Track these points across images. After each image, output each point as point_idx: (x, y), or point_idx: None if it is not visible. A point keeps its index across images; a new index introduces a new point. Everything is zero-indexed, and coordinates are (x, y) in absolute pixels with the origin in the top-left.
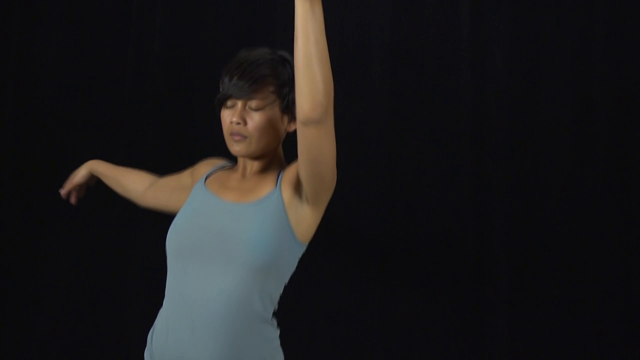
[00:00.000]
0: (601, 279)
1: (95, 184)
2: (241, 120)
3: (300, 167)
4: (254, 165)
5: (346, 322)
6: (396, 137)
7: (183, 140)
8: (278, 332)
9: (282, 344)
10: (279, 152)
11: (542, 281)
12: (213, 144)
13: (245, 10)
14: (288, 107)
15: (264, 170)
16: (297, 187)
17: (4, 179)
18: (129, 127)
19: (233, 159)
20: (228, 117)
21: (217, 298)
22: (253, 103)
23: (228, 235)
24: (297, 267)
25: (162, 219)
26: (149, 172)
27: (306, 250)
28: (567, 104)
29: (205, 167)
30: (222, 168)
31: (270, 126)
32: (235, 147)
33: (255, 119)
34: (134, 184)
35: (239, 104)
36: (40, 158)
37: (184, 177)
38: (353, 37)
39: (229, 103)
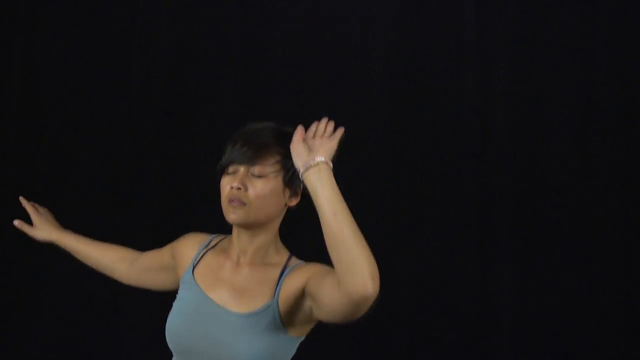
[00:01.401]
0: (603, 280)
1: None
2: (242, 185)
3: (330, 316)
4: (248, 252)
5: (347, 328)
6: (399, 138)
7: (186, 142)
8: None
9: None
10: (276, 234)
11: (544, 280)
12: (215, 146)
13: (250, 12)
14: (291, 180)
15: (260, 259)
16: (300, 303)
17: (8, 180)
18: (132, 128)
19: (218, 231)
20: (228, 183)
21: None
22: (256, 169)
23: (222, 347)
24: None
25: (164, 221)
26: (123, 247)
27: (306, 253)
28: (570, 104)
29: (188, 247)
30: (208, 247)
31: (271, 196)
32: (232, 215)
33: (256, 186)
34: (115, 263)
35: (241, 169)
36: (44, 158)
37: (165, 256)
38: (356, 37)
39: (231, 169)
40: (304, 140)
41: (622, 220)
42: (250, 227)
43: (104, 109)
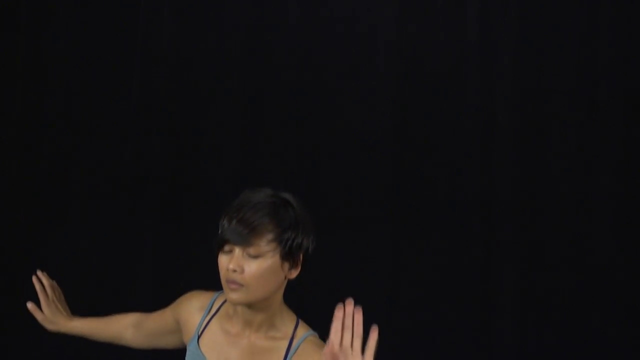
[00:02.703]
0: (604, 280)
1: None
2: (238, 267)
3: None
4: (254, 325)
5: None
6: (401, 138)
7: (188, 142)
8: None
9: None
10: (280, 303)
11: (545, 279)
12: (217, 147)
13: (253, 14)
14: (289, 254)
15: (265, 331)
16: None
17: (11, 181)
18: (134, 129)
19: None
20: (225, 263)
21: None
22: (251, 250)
23: None
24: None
25: (168, 223)
26: (125, 314)
27: (310, 253)
28: (572, 104)
29: (191, 313)
30: (210, 313)
31: (269, 274)
32: (232, 295)
33: (252, 267)
34: (121, 333)
35: (237, 250)
36: (47, 160)
37: (168, 321)
38: (359, 38)
39: (227, 248)
40: (333, 355)
41: (623, 219)
42: (252, 305)
43: (106, 109)
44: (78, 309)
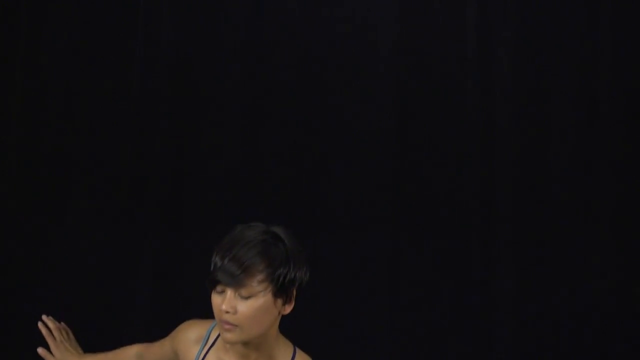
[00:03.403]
0: (604, 281)
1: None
2: (231, 309)
3: None
4: (251, 358)
5: (351, 321)
6: (402, 138)
7: (188, 143)
8: None
9: None
10: (277, 335)
11: (545, 280)
12: (217, 147)
13: (253, 15)
14: (282, 290)
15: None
16: None
17: (11, 181)
18: (135, 130)
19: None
20: (218, 302)
21: None
22: (243, 291)
23: None
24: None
25: (168, 223)
26: (127, 347)
27: (312, 253)
28: (573, 107)
29: (188, 345)
30: (208, 344)
31: (262, 313)
32: (226, 335)
33: (245, 308)
34: None
35: (229, 291)
36: (47, 160)
37: (167, 352)
38: (359, 38)
39: (219, 288)
40: None
41: (623, 219)
42: (247, 343)
43: (106, 109)
44: (78, 310)
